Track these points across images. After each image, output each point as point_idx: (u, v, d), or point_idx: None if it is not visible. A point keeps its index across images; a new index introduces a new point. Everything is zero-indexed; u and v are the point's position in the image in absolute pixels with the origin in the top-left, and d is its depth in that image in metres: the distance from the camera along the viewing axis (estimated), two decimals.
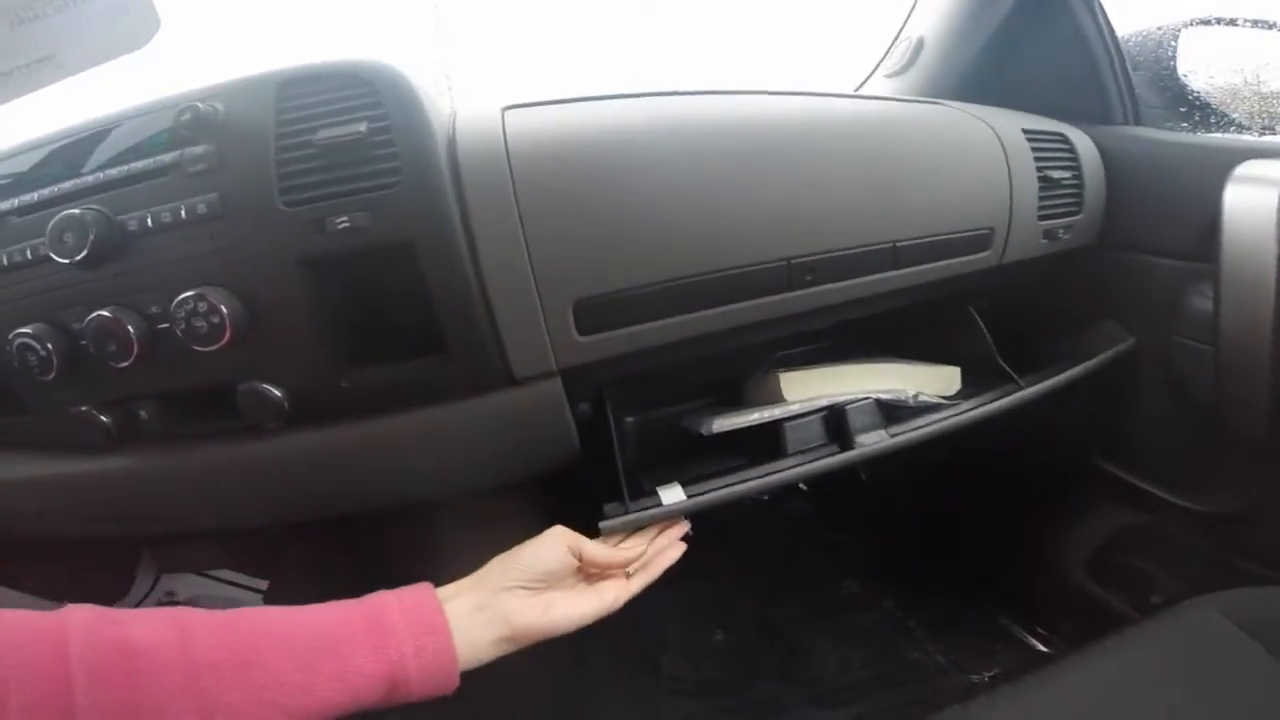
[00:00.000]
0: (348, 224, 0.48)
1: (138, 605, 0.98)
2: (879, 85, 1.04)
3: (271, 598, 0.95)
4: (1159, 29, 0.92)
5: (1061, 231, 0.79)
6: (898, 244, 0.66)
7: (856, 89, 1.06)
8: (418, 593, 0.49)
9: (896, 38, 1.01)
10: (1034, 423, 1.03)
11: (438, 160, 0.50)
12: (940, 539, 1.21)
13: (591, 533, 0.56)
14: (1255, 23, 0.89)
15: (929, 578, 1.15)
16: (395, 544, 1.04)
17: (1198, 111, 0.88)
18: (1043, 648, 1.01)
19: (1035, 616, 1.03)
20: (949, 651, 1.02)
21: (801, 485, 1.34)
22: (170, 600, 1.02)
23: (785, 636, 1.07)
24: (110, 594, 0.94)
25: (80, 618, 0.38)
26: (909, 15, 1.00)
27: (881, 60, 1.03)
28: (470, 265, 0.50)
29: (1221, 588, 0.58)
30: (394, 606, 0.46)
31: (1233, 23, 0.90)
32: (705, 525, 1.24)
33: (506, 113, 0.56)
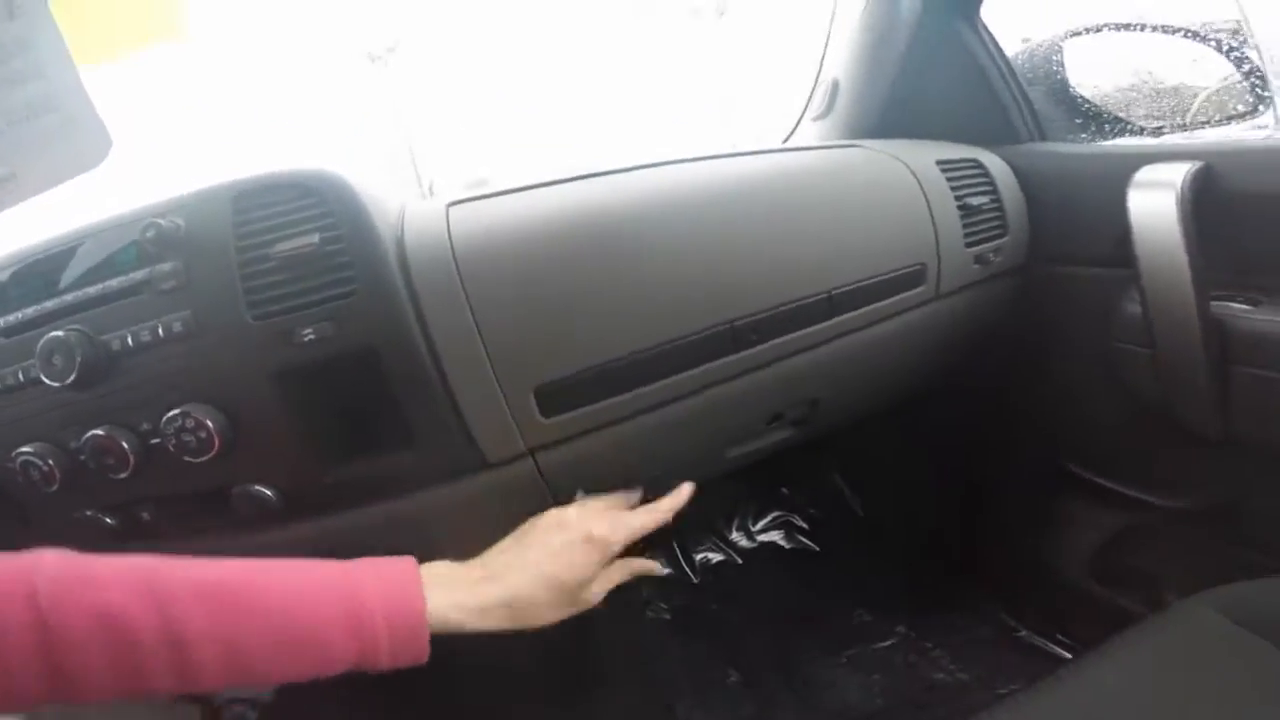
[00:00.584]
0: (314, 335, 0.51)
1: None
2: (806, 129, 1.08)
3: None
4: (1041, 44, 0.95)
5: (991, 255, 0.81)
6: (833, 292, 0.68)
7: (787, 136, 1.11)
8: (402, 578, 0.47)
9: (816, 81, 1.05)
10: (1002, 431, 1.05)
11: (389, 265, 0.53)
12: (944, 560, 1.21)
13: None
14: (1119, 26, 0.91)
15: (939, 599, 1.14)
16: None
17: (1092, 120, 0.91)
18: (1065, 654, 1.00)
19: (1051, 624, 1.02)
20: (970, 668, 1.01)
21: (801, 523, 1.36)
22: None
23: (801, 671, 1.06)
24: None
25: (49, 574, 0.38)
26: (823, 59, 1.03)
27: (806, 105, 1.06)
28: (430, 362, 0.53)
29: (1222, 578, 0.58)
30: (381, 613, 0.45)
31: (1099, 30, 0.93)
32: (711, 576, 1.26)
33: (450, 209, 0.59)
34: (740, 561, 1.31)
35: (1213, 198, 0.69)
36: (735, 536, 1.35)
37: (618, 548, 0.57)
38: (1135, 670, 0.51)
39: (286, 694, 0.93)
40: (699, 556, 1.31)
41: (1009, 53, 0.93)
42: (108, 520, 0.55)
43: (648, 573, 0.63)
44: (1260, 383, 0.67)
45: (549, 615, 0.53)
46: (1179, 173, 0.68)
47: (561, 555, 0.54)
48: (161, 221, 0.52)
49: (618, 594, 1.19)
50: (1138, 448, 0.86)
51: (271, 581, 0.44)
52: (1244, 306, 0.68)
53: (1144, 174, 0.71)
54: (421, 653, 0.46)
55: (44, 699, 0.37)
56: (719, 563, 1.31)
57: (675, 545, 1.32)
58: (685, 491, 0.62)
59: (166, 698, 0.67)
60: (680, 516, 0.63)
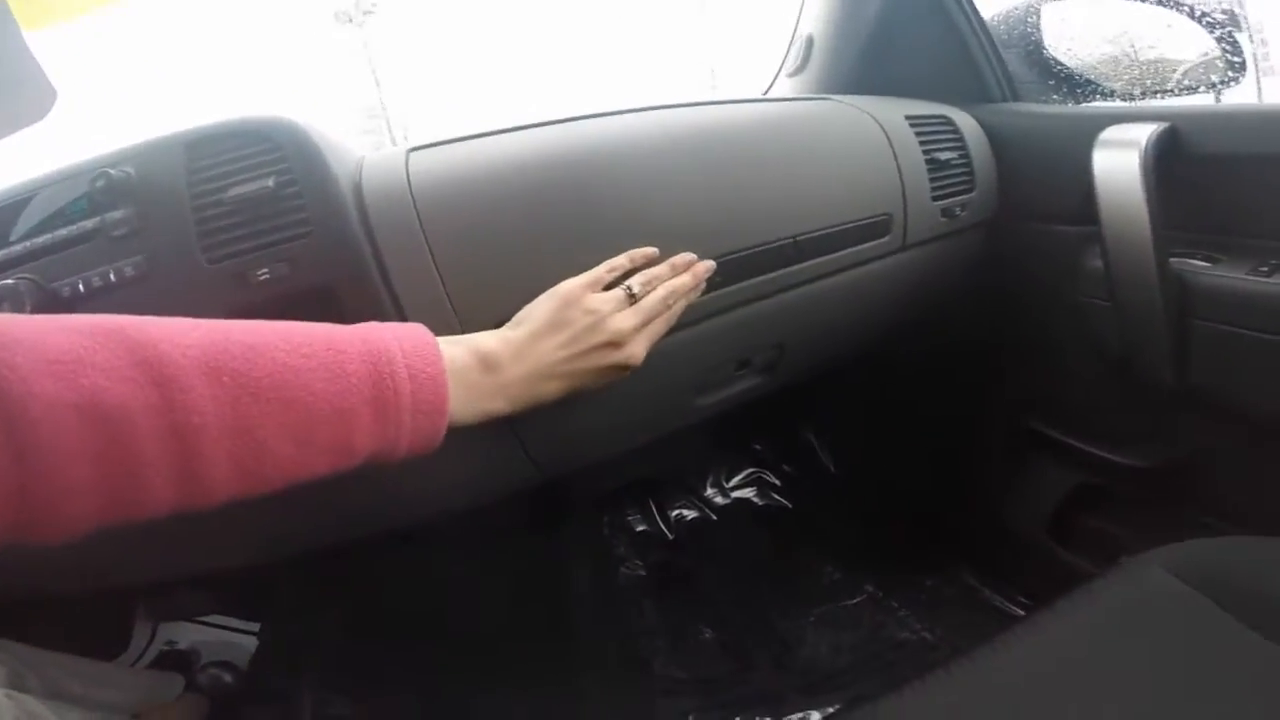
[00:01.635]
0: (269, 275, 0.51)
1: (139, 658, 1.01)
2: (782, 85, 1.07)
3: (265, 638, 0.98)
4: (1018, 7, 0.95)
5: (959, 209, 0.82)
6: (798, 238, 0.68)
7: (765, 90, 1.10)
8: (426, 361, 0.43)
9: (792, 38, 1.05)
10: (970, 393, 1.06)
11: (345, 207, 0.52)
12: (911, 518, 1.23)
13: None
14: None
15: (905, 557, 1.17)
16: (383, 576, 1.07)
17: (1065, 83, 0.91)
18: (1022, 614, 1.03)
19: (1013, 584, 1.05)
20: (934, 628, 1.03)
21: (774, 479, 1.37)
22: (172, 649, 1.05)
23: (775, 628, 1.08)
24: (111, 649, 0.96)
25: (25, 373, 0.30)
26: (799, 16, 1.03)
27: (783, 61, 1.06)
28: (390, 302, 0.53)
29: (1174, 537, 0.58)
30: (404, 377, 0.41)
31: None
32: (684, 535, 1.28)
33: (411, 155, 0.59)
34: (715, 518, 1.33)
35: (1176, 159, 0.69)
36: (710, 493, 1.37)
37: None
38: (1082, 628, 0.52)
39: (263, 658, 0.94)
40: (674, 513, 1.33)
41: (986, 15, 0.93)
42: None
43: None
44: (1216, 336, 0.68)
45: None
46: (1144, 132, 0.69)
47: (583, 375, 0.52)
48: (112, 171, 0.52)
49: (595, 550, 1.22)
50: (1099, 405, 0.88)
51: (286, 349, 0.38)
52: (1202, 264, 0.69)
53: (1109, 133, 0.72)
54: (435, 442, 0.43)
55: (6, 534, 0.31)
56: (694, 519, 1.33)
57: (652, 502, 1.33)
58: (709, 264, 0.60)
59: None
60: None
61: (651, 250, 0.58)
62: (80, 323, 0.33)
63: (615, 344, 0.52)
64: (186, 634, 1.03)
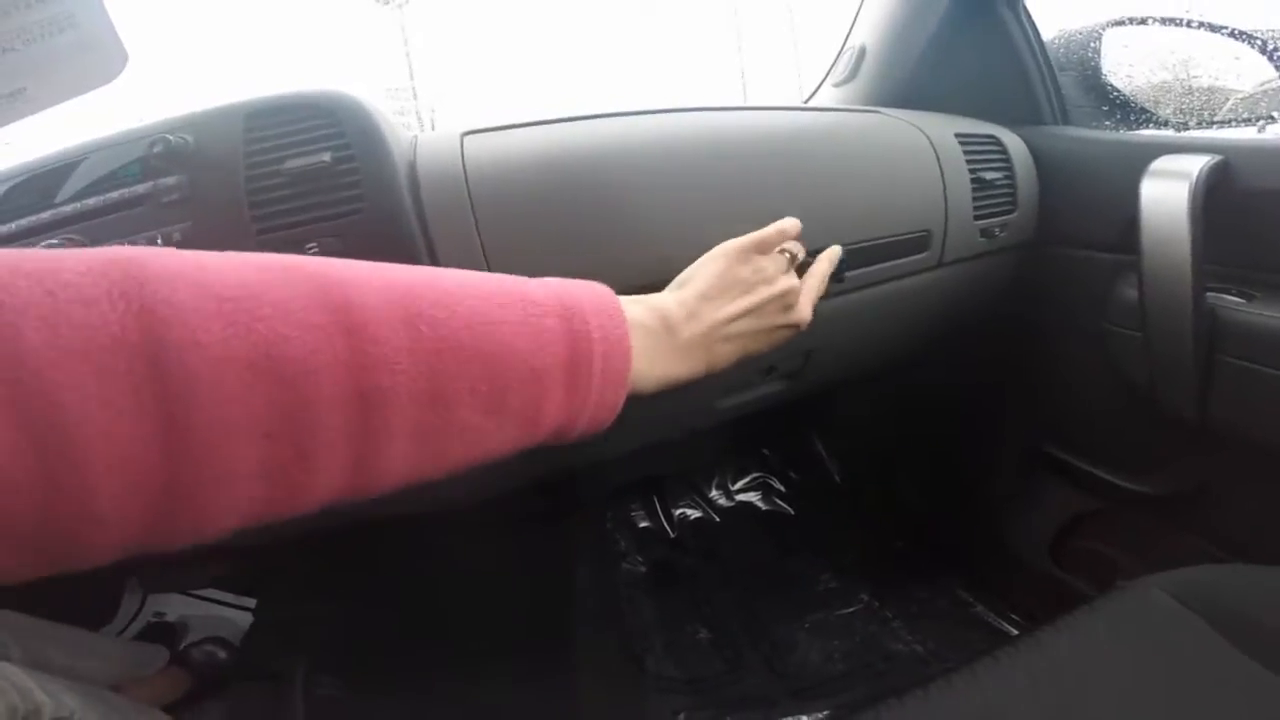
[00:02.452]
0: (317, 250, 0.50)
1: (126, 628, 0.99)
2: (827, 94, 1.07)
3: (260, 616, 0.97)
4: (1081, 31, 0.94)
5: (998, 230, 0.81)
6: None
7: (807, 99, 1.10)
8: (614, 321, 0.38)
9: (842, 48, 1.04)
10: (986, 413, 1.06)
11: (399, 185, 0.52)
12: (911, 532, 1.24)
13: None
14: (1164, 20, 0.91)
15: (902, 569, 1.18)
16: (385, 559, 1.06)
17: (1119, 110, 0.91)
18: (1014, 632, 1.03)
19: (1006, 603, 1.06)
20: (926, 641, 1.04)
21: (778, 485, 1.38)
22: (160, 621, 1.03)
23: (769, 633, 1.08)
24: (97, 617, 0.95)
25: (156, 283, 0.23)
26: (852, 26, 1.02)
27: (829, 70, 1.06)
28: None
29: (1173, 567, 0.59)
30: (597, 337, 0.36)
31: (1143, 21, 0.93)
32: (689, 532, 1.28)
33: (465, 138, 0.58)
34: (718, 520, 1.33)
35: (1226, 192, 0.69)
36: (714, 495, 1.37)
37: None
38: (1082, 646, 0.52)
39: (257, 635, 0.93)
40: (678, 512, 1.33)
41: (1046, 36, 0.93)
42: None
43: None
44: (1242, 373, 0.68)
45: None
46: (1195, 164, 0.68)
47: (755, 336, 0.49)
48: (170, 137, 0.51)
49: (598, 544, 1.21)
50: (1113, 432, 0.88)
51: (479, 297, 0.32)
52: (1237, 300, 0.70)
53: (1161, 163, 0.72)
54: (613, 416, 0.39)
55: (150, 520, 0.23)
56: (697, 519, 1.33)
57: (656, 499, 1.33)
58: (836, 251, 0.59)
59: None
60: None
61: (797, 222, 0.56)
62: (247, 256, 0.27)
63: (787, 304, 0.50)
64: (176, 606, 1.02)
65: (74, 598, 0.93)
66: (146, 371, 0.22)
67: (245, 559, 0.98)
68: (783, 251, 0.53)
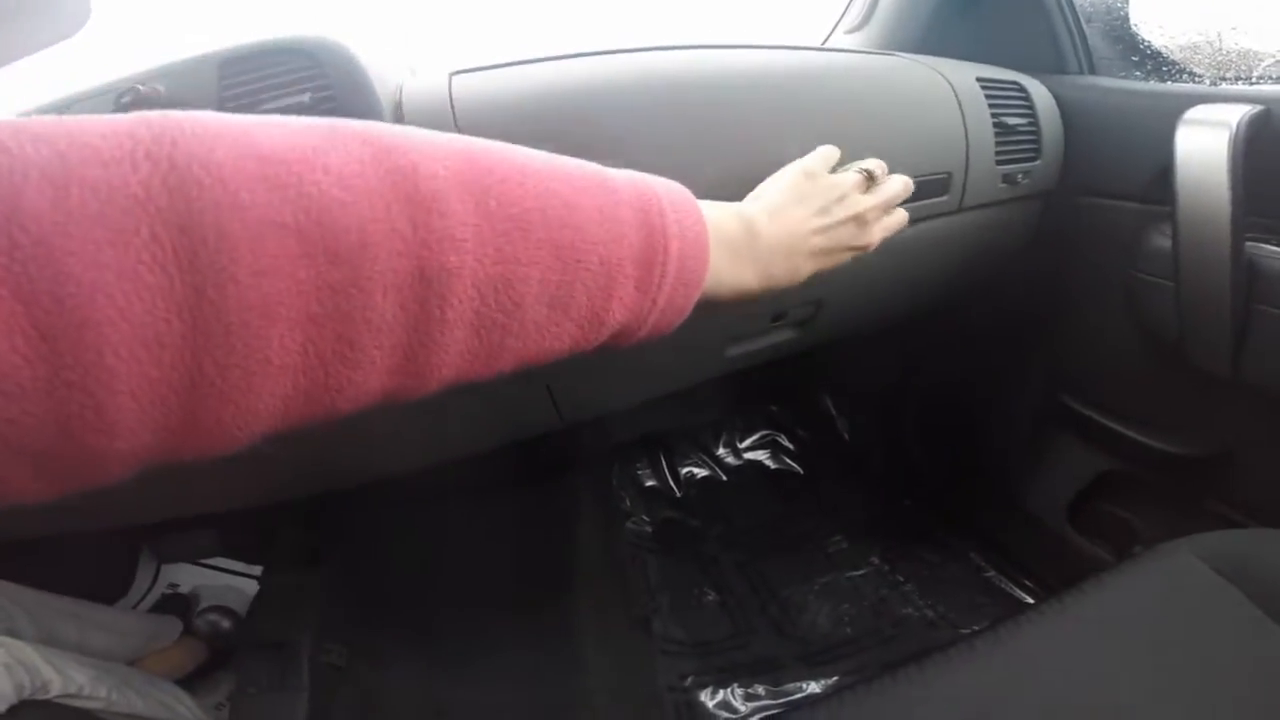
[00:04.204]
0: None
1: (141, 600, 1.00)
2: (838, 40, 1.02)
3: (266, 583, 0.97)
4: None
5: (1021, 176, 0.79)
6: None
7: (822, 43, 1.05)
8: (692, 217, 0.35)
9: None
10: (1003, 367, 1.04)
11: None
12: (923, 494, 1.23)
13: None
14: None
15: (914, 532, 1.17)
16: (386, 521, 1.05)
17: (1149, 61, 0.88)
18: (1028, 599, 1.03)
19: (1020, 567, 1.05)
20: (937, 605, 1.03)
21: (787, 443, 1.36)
22: (174, 592, 1.04)
23: (777, 595, 1.08)
24: (113, 590, 0.95)
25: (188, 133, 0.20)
26: None
27: (841, 17, 1.01)
28: None
29: (1196, 532, 0.58)
30: (674, 232, 0.33)
31: None
32: (693, 493, 1.27)
33: (454, 78, 0.55)
34: (725, 478, 1.32)
35: (1267, 143, 0.67)
36: (722, 453, 1.36)
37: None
38: (1111, 611, 0.52)
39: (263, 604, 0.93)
40: (685, 470, 1.32)
41: None
42: None
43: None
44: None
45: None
46: (1235, 113, 0.66)
47: (830, 253, 0.47)
48: (141, 87, 0.49)
49: (601, 503, 1.20)
50: (1139, 387, 0.87)
51: (554, 178, 0.29)
52: (1277, 249, 0.67)
53: (1196, 112, 0.69)
54: (680, 319, 0.37)
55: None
56: (704, 478, 1.32)
57: (663, 457, 1.32)
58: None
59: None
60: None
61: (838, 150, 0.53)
62: (303, 120, 0.23)
63: (860, 221, 0.48)
64: (189, 576, 1.02)
65: (88, 571, 0.93)
66: (173, 239, 0.18)
67: (252, 525, 0.98)
68: (861, 172, 0.50)
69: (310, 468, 0.64)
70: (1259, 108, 0.67)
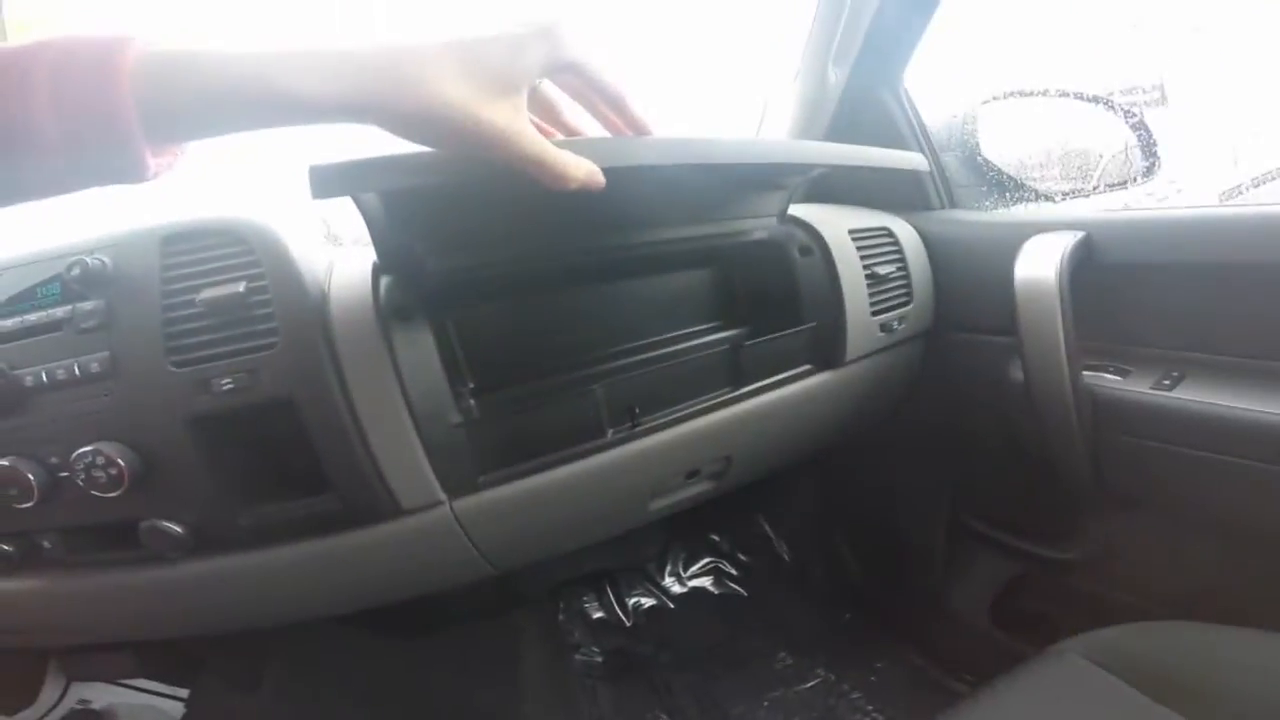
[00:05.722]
0: (231, 385, 0.51)
1: (47, 714, 0.94)
2: None
3: (194, 708, 0.93)
4: (958, 114, 0.97)
5: (896, 323, 0.83)
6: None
7: None
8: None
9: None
10: (912, 490, 1.10)
11: (312, 319, 0.53)
12: (860, 603, 1.26)
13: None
14: (1025, 93, 0.94)
15: (856, 641, 1.19)
16: (323, 656, 1.03)
17: (995, 188, 0.93)
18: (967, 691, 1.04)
19: (957, 665, 1.07)
20: (884, 709, 1.05)
21: (730, 568, 1.39)
22: (85, 708, 0.98)
23: (728, 715, 1.08)
24: (17, 702, 0.90)
25: None
26: (760, 125, 1.08)
27: None
28: (347, 415, 0.54)
29: (1104, 618, 0.63)
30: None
31: (1008, 96, 0.95)
32: (644, 619, 1.27)
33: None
34: (672, 606, 1.33)
35: (1092, 267, 0.73)
36: (668, 582, 1.38)
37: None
38: (1008, 711, 0.55)
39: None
40: (632, 600, 1.33)
41: (932, 120, 0.96)
42: (4, 547, 0.54)
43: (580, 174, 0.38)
44: (1128, 447, 0.72)
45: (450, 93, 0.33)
46: (1060, 244, 0.71)
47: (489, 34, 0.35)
48: (87, 259, 0.52)
49: (547, 637, 1.20)
50: (1027, 504, 0.91)
51: None
52: (1113, 377, 0.73)
53: (1030, 244, 0.74)
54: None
55: None
56: (651, 607, 1.33)
57: (609, 589, 1.33)
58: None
59: None
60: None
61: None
62: None
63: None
64: (103, 694, 0.97)
65: None
66: None
67: (176, 650, 0.95)
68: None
69: (224, 616, 0.65)
70: (1080, 235, 0.72)
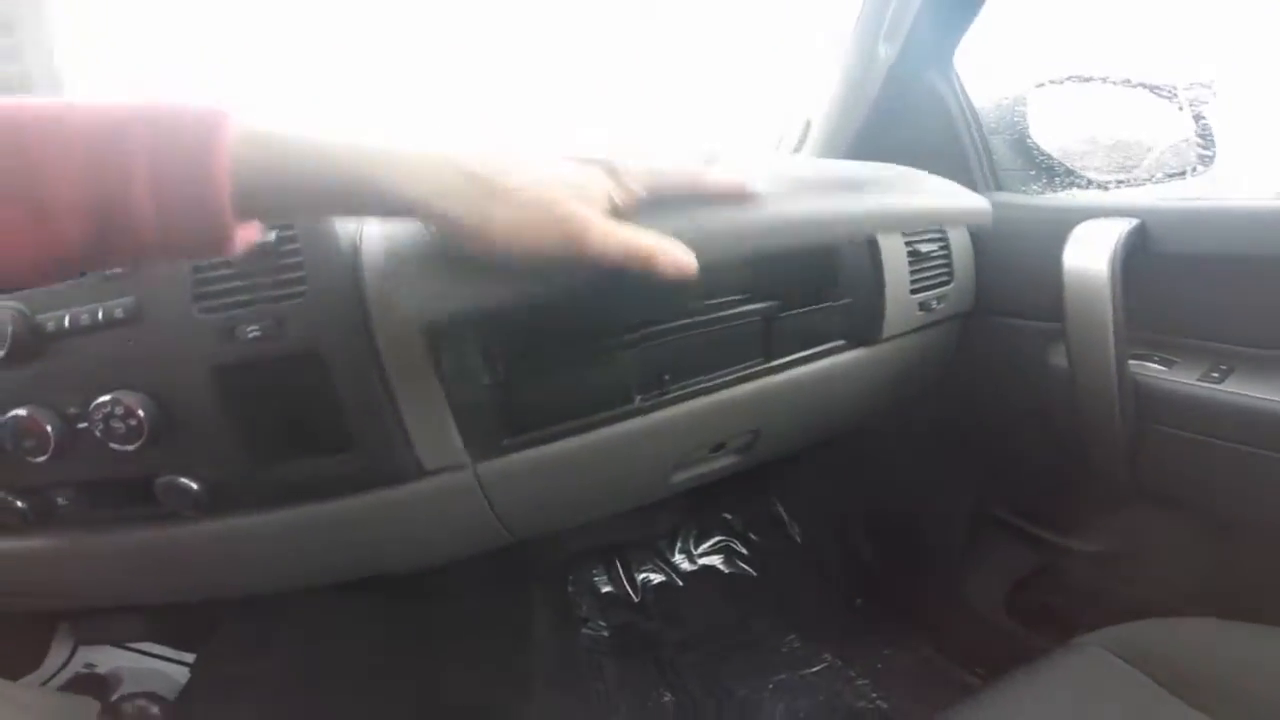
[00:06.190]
0: (258, 333, 0.50)
1: (53, 677, 0.95)
2: None
3: (198, 673, 0.93)
4: (1009, 96, 0.94)
5: (935, 302, 0.82)
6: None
7: None
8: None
9: (789, 118, 1.06)
10: (935, 476, 1.08)
11: (343, 271, 0.52)
12: (873, 589, 1.25)
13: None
14: (1083, 79, 0.91)
15: (865, 627, 1.18)
16: (331, 622, 1.03)
17: (1044, 173, 0.90)
18: (980, 685, 1.04)
19: (969, 656, 1.06)
20: (890, 698, 1.04)
21: (741, 548, 1.38)
22: (90, 672, 0.99)
23: (734, 695, 1.08)
24: (23, 665, 0.90)
25: None
26: (797, 98, 1.05)
27: (780, 142, 1.08)
28: (374, 370, 0.52)
29: (1122, 616, 0.62)
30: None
31: (1063, 81, 0.92)
32: (652, 595, 1.27)
33: None
34: (681, 583, 1.32)
35: (1145, 256, 0.71)
36: (677, 559, 1.37)
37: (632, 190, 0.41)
38: (1029, 703, 0.54)
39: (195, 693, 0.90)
40: (641, 576, 1.33)
41: (979, 103, 0.94)
42: (18, 504, 0.53)
43: (661, 257, 0.39)
44: (1170, 440, 0.70)
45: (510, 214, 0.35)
46: (1114, 231, 0.70)
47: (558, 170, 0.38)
48: None
49: (558, 609, 1.20)
50: (1056, 494, 0.90)
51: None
52: (1159, 367, 0.71)
53: (1081, 230, 0.73)
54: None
55: None
56: (660, 583, 1.32)
57: (618, 564, 1.33)
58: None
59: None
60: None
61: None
62: None
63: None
64: (109, 658, 0.98)
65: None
66: None
67: (184, 613, 0.95)
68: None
69: (238, 578, 0.65)
70: (1134, 223, 0.70)
